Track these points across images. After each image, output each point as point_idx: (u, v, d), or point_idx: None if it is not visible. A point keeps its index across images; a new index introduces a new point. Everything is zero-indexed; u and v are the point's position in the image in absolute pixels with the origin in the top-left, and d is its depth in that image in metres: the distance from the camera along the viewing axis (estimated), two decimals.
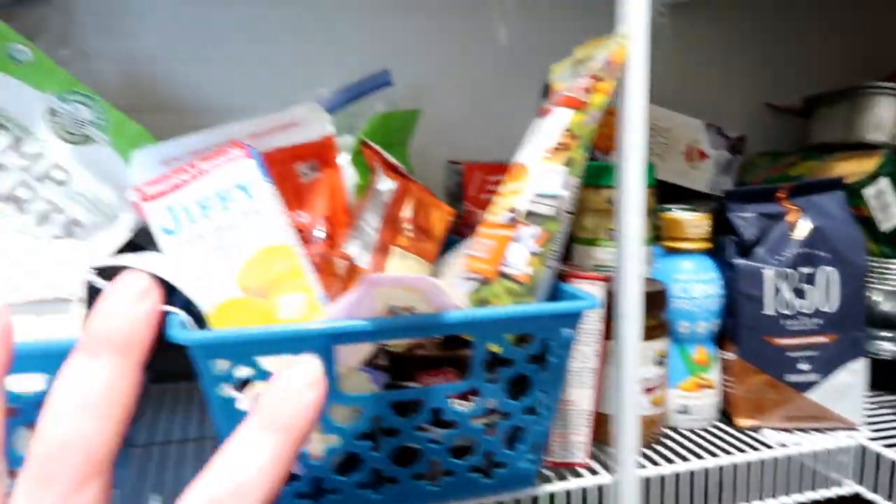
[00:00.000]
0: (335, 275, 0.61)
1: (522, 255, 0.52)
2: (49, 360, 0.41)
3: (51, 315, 0.44)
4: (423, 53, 0.87)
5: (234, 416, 0.46)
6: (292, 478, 0.49)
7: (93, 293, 0.46)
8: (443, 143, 0.89)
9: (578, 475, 0.58)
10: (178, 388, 0.77)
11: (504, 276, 0.53)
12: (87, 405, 0.20)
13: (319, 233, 0.65)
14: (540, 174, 0.54)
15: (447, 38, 0.87)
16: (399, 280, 0.44)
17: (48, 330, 0.43)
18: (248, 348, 0.44)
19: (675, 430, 0.66)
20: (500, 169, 0.84)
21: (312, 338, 0.45)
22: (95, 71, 0.75)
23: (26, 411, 0.42)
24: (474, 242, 0.59)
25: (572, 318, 0.50)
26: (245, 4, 0.80)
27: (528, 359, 0.50)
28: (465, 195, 0.83)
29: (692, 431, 0.66)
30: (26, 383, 0.41)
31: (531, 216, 0.53)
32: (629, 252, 0.53)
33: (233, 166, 0.54)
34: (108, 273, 0.48)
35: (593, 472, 0.58)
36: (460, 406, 0.51)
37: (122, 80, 0.77)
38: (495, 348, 0.50)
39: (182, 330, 0.44)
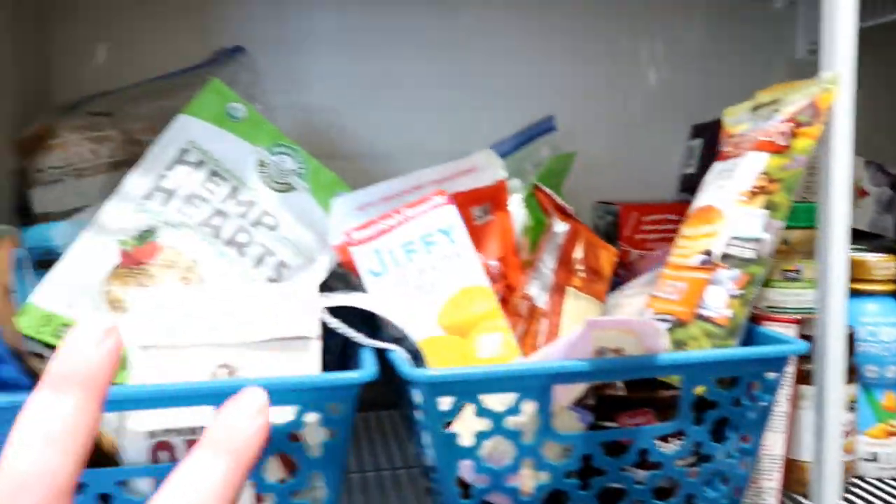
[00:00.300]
0: (518, 315, 0.63)
1: (721, 297, 0.53)
2: (296, 394, 0.45)
3: (293, 352, 0.48)
4: (576, 97, 0.89)
5: (455, 451, 0.48)
6: None
7: (325, 331, 0.50)
8: (588, 184, 0.91)
9: None
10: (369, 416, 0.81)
11: (702, 318, 0.54)
12: (52, 439, 0.21)
13: (495, 272, 0.68)
14: (736, 217, 0.55)
15: (597, 82, 0.90)
16: (621, 322, 0.46)
17: (292, 364, 0.47)
18: (473, 386, 0.47)
19: (861, 478, 0.64)
20: (656, 209, 0.85)
21: (534, 377, 0.47)
22: (277, 122, 0.81)
23: (277, 441, 0.45)
24: (660, 284, 0.60)
25: (779, 363, 0.50)
26: (408, 56, 0.85)
27: (732, 402, 0.51)
28: (620, 235, 0.84)
29: (880, 480, 0.64)
30: (278, 415, 0.45)
31: (728, 259, 0.54)
32: (834, 295, 0.53)
33: (436, 212, 0.57)
34: (336, 312, 0.52)
35: None
36: (665, 448, 0.51)
37: (299, 130, 0.83)
38: (701, 390, 0.50)
39: (411, 368, 0.47)
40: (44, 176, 0.65)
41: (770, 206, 0.53)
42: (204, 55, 0.78)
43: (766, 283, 0.70)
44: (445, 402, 0.47)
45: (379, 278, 0.57)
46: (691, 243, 0.58)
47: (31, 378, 0.42)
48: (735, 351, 0.50)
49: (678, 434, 0.51)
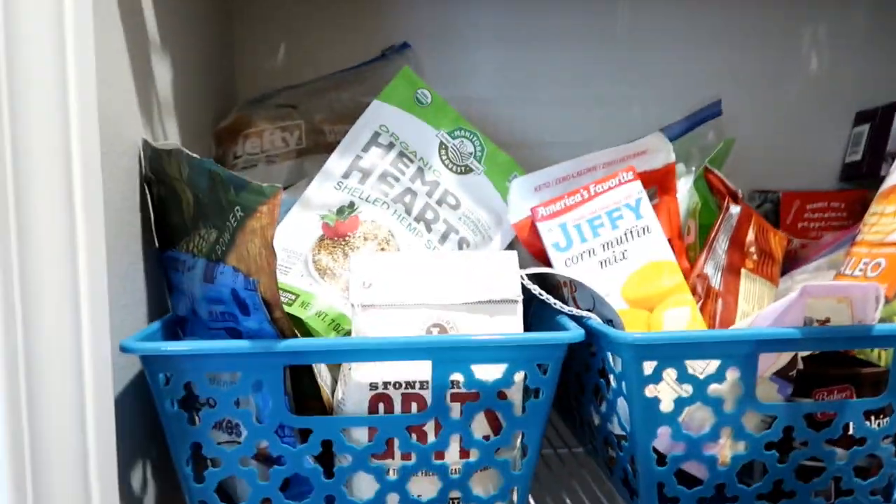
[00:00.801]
0: (695, 293, 0.63)
1: None
2: (507, 351, 0.47)
3: (500, 315, 0.50)
4: (731, 83, 0.88)
5: (655, 417, 0.48)
6: (695, 482, 0.50)
7: (526, 295, 0.52)
8: (744, 171, 0.90)
9: None
10: None
11: None
12: None
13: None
14: None
15: (756, 68, 0.88)
16: (838, 288, 0.45)
17: (499, 325, 0.49)
18: (677, 350, 0.47)
19: None
20: (819, 197, 0.82)
21: (741, 343, 0.47)
22: None
23: (486, 398, 0.47)
24: (849, 263, 0.59)
25: None
26: (562, 48, 0.87)
27: None
28: (780, 223, 0.82)
29: None
30: (488, 372, 0.47)
31: None
32: None
33: (624, 188, 0.58)
34: (533, 279, 0.54)
35: None
36: (871, 425, 0.50)
37: None
38: None
39: (617, 331, 0.48)
40: (241, 161, 0.71)
41: None
42: (373, 52, 0.83)
43: None
44: (649, 367, 0.48)
45: (564, 253, 0.59)
46: (890, 220, 0.57)
47: (276, 328, 0.46)
48: None
49: (885, 412, 0.50)
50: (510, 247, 0.67)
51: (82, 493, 0.41)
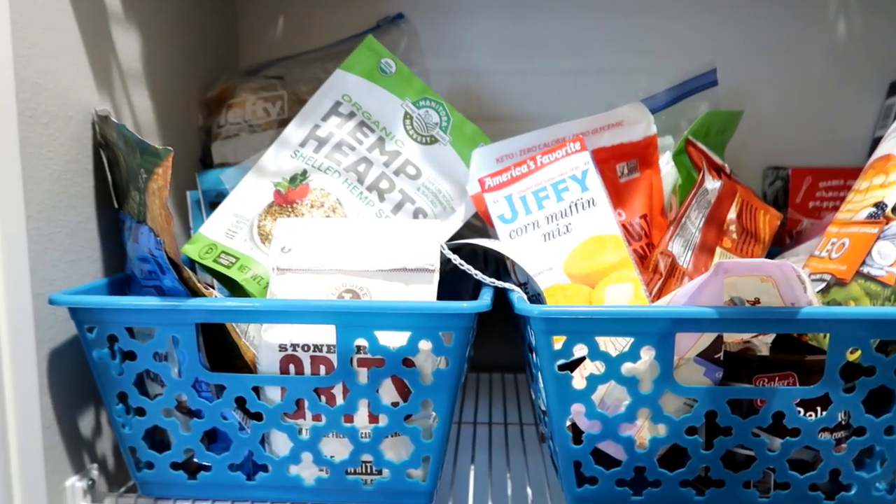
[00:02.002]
0: (657, 271, 0.60)
1: (891, 253, 0.47)
2: (410, 318, 0.46)
3: (414, 284, 0.49)
4: (744, 51, 0.82)
5: (567, 394, 0.47)
6: (613, 463, 0.49)
7: (455, 277, 0.51)
8: (759, 146, 0.84)
9: None
10: (492, 378, 0.82)
11: (864, 276, 0.48)
12: None
13: (637, 230, 0.65)
14: None
15: (774, 36, 0.82)
16: (757, 266, 0.42)
17: (413, 294, 0.49)
18: (588, 325, 0.45)
19: None
20: (833, 174, 0.76)
21: (655, 320, 0.44)
22: (433, 85, 0.84)
23: (391, 364, 0.47)
24: (819, 244, 0.54)
25: None
26: (563, 17, 0.84)
27: (895, 370, 0.44)
28: (789, 202, 0.76)
29: None
30: (394, 339, 0.47)
31: None
32: None
33: (570, 159, 0.56)
34: (459, 251, 0.53)
35: None
36: (807, 415, 0.46)
37: (453, 92, 0.85)
38: (854, 354, 0.45)
39: (525, 303, 0.47)
40: (223, 131, 0.74)
41: None
42: (371, 23, 0.83)
43: None
44: (558, 342, 0.46)
45: (508, 224, 0.57)
46: (862, 197, 0.52)
47: (186, 288, 0.48)
48: (894, 309, 0.43)
49: (824, 402, 0.46)
50: (478, 218, 0.66)
51: None
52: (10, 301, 0.45)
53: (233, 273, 0.56)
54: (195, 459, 0.51)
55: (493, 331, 0.79)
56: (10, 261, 0.45)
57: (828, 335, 0.44)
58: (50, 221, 0.50)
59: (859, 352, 0.45)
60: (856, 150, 0.82)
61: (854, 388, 0.45)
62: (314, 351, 0.48)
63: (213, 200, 0.65)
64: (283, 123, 0.75)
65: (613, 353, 0.46)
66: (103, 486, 0.55)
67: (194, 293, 0.48)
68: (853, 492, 0.47)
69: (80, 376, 0.53)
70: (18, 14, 0.46)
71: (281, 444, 0.50)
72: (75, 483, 0.52)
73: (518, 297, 0.49)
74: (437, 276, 0.49)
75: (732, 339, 0.51)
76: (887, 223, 0.48)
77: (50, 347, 0.50)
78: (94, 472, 0.54)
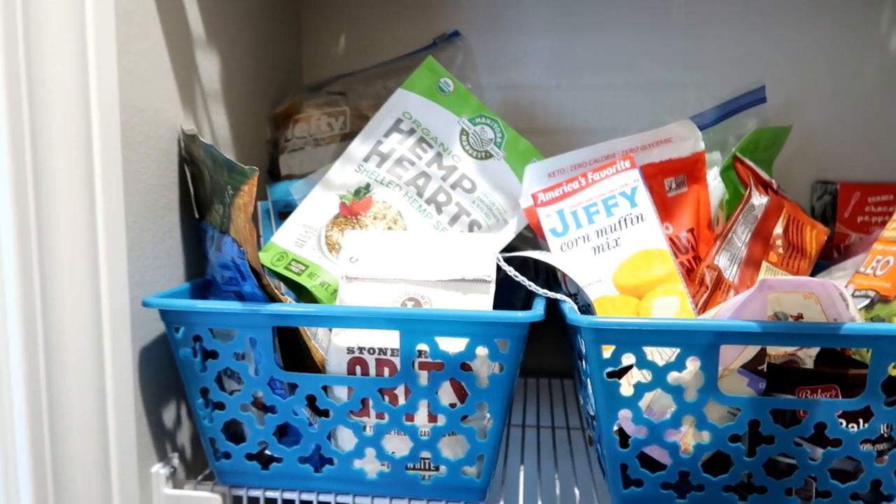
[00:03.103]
0: (703, 284, 0.63)
1: None
2: (468, 326, 0.50)
3: (471, 293, 0.53)
4: (792, 66, 0.84)
5: (615, 400, 0.50)
6: (658, 466, 0.51)
7: (509, 287, 0.55)
8: (808, 160, 0.85)
9: None
10: (539, 382, 0.85)
11: None
12: None
13: (684, 244, 0.67)
14: None
15: (823, 51, 0.83)
16: (800, 283, 0.44)
17: (470, 303, 0.53)
18: (636, 336, 0.48)
19: None
20: (883, 189, 0.77)
21: (700, 333, 0.47)
22: (486, 100, 0.88)
23: (450, 368, 0.51)
24: (865, 260, 0.56)
25: None
26: (612, 33, 0.86)
27: None
28: (837, 216, 0.77)
29: None
30: (453, 345, 0.50)
31: None
32: None
33: (620, 176, 0.59)
34: (512, 262, 0.57)
35: None
36: (849, 426, 0.48)
37: (505, 106, 0.88)
38: None
39: (576, 314, 0.50)
40: (290, 144, 0.78)
41: None
42: (427, 41, 0.87)
43: None
44: (607, 351, 0.49)
45: (559, 238, 0.60)
46: None
47: (265, 294, 0.52)
48: None
49: (866, 415, 0.48)
50: (529, 230, 0.69)
51: (100, 430, 0.50)
52: (111, 303, 0.50)
53: (302, 280, 0.60)
54: (268, 451, 0.56)
55: (542, 338, 0.82)
56: (111, 266, 0.50)
57: (870, 350, 0.46)
58: (143, 231, 0.55)
59: None
60: None
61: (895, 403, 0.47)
62: (379, 354, 0.52)
63: (282, 210, 0.70)
64: (345, 137, 0.79)
65: (660, 363, 0.49)
66: (182, 473, 0.60)
67: (272, 299, 0.52)
68: (894, 502, 0.49)
69: (165, 372, 0.58)
70: (120, 42, 0.51)
71: (346, 439, 0.54)
72: (159, 470, 0.57)
73: (570, 307, 0.52)
74: (493, 287, 0.53)
75: (777, 351, 0.53)
76: None
77: (140, 346, 0.55)
78: (176, 461, 0.59)
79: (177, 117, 0.60)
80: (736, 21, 0.84)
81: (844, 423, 0.48)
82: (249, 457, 0.56)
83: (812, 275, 0.68)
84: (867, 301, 0.52)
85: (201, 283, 0.61)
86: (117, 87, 0.50)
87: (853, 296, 0.54)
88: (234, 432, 0.57)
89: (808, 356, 0.56)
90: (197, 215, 0.63)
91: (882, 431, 0.48)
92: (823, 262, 0.73)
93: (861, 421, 0.48)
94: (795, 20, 0.83)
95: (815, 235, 0.68)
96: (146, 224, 0.55)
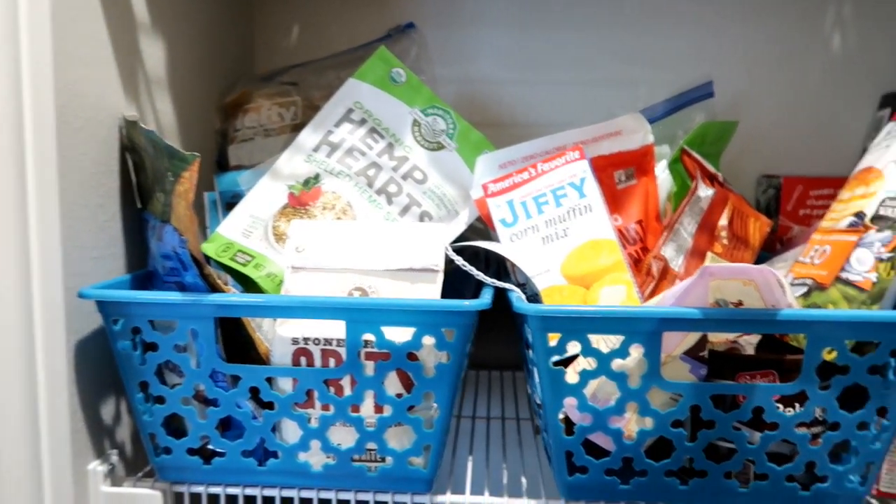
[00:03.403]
0: (649, 274, 0.63)
1: (868, 260, 0.49)
2: (415, 315, 0.50)
3: (419, 283, 0.53)
4: (741, 64, 0.85)
5: (561, 388, 0.50)
6: (603, 453, 0.52)
7: (458, 278, 0.54)
8: (755, 155, 0.87)
9: None
10: (490, 375, 0.86)
11: (842, 281, 0.51)
12: None
13: (632, 235, 0.68)
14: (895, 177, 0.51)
15: (771, 49, 0.85)
16: (740, 270, 0.45)
17: (418, 292, 0.52)
18: (581, 324, 0.48)
19: None
20: (824, 183, 0.79)
21: (644, 320, 0.48)
22: (440, 93, 0.87)
23: (396, 358, 0.50)
24: (804, 250, 0.57)
25: None
26: (567, 29, 0.87)
27: (867, 369, 0.47)
28: (780, 209, 0.79)
29: None
30: (399, 334, 0.50)
31: (880, 220, 0.50)
32: None
33: (569, 167, 0.59)
34: (463, 252, 0.56)
35: None
36: (785, 410, 0.49)
37: (460, 100, 0.88)
38: (830, 354, 0.48)
39: (522, 302, 0.50)
40: (239, 134, 0.77)
41: None
42: (381, 33, 0.87)
43: None
44: (553, 339, 0.49)
45: (509, 228, 0.60)
46: (844, 206, 0.55)
47: (207, 284, 0.51)
48: (870, 312, 0.46)
49: (801, 399, 0.49)
50: (481, 221, 0.69)
51: (31, 426, 0.48)
52: (44, 294, 0.48)
53: (248, 271, 0.59)
54: (210, 446, 0.55)
55: (493, 329, 0.82)
56: (44, 256, 0.48)
57: (806, 336, 0.47)
58: (80, 220, 0.53)
59: (835, 352, 0.48)
60: (847, 160, 0.85)
61: (829, 386, 0.48)
62: (325, 345, 0.52)
63: (230, 201, 0.68)
64: (296, 128, 0.78)
65: (605, 350, 0.49)
66: (122, 470, 0.59)
67: (214, 289, 0.51)
68: (828, 483, 0.50)
69: (101, 366, 0.56)
70: (57, 24, 0.49)
71: (291, 432, 0.53)
72: (97, 467, 0.55)
73: (517, 296, 0.52)
74: (440, 276, 0.52)
75: (719, 338, 0.54)
76: (865, 232, 0.51)
77: (77, 339, 0.53)
78: (114, 458, 0.57)
79: (119, 103, 0.58)
80: (687, 17, 0.85)
81: (781, 407, 0.49)
82: (191, 451, 0.55)
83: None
84: (805, 289, 0.53)
85: (143, 274, 0.59)
86: (52, 70, 0.48)
87: (792, 284, 0.55)
88: (175, 427, 0.56)
89: (749, 343, 0.57)
90: (139, 204, 0.61)
91: (816, 415, 0.49)
92: (766, 253, 0.75)
93: (797, 405, 0.49)
94: (743, 17, 0.85)
95: (758, 227, 0.70)
96: (84, 213, 0.54)
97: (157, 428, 0.54)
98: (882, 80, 0.83)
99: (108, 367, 0.57)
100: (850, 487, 0.50)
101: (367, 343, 0.51)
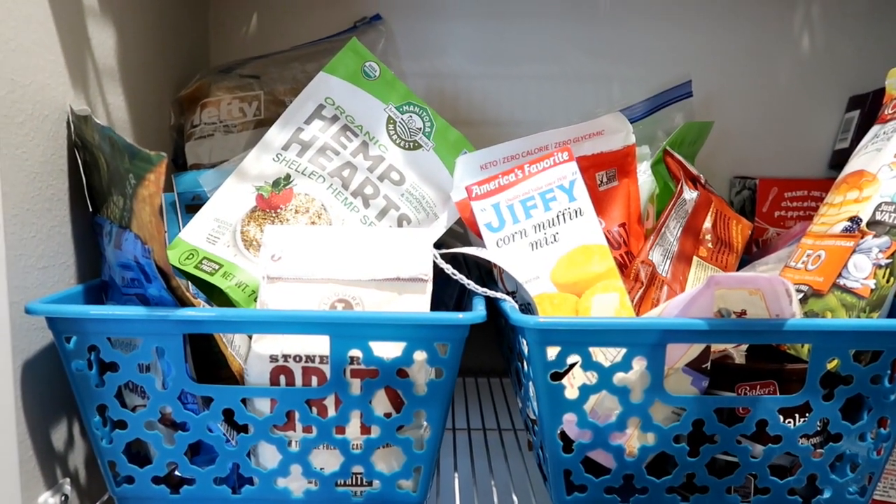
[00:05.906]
0: (637, 280, 0.61)
1: (865, 266, 0.49)
2: (406, 329, 0.46)
3: (407, 293, 0.49)
4: (714, 64, 0.85)
5: (559, 403, 0.47)
6: (603, 471, 0.49)
7: (441, 284, 0.51)
8: (727, 156, 0.86)
9: None
10: (465, 382, 0.83)
11: (840, 288, 0.50)
12: None
13: (616, 238, 0.66)
14: (891, 181, 0.50)
15: (743, 49, 0.85)
16: (746, 280, 0.43)
17: (406, 304, 0.49)
18: (583, 336, 0.46)
19: None
20: (799, 185, 0.79)
21: (648, 332, 0.45)
22: (410, 86, 0.84)
23: (385, 375, 0.47)
24: (797, 255, 0.56)
25: None
26: (540, 23, 0.84)
27: (870, 379, 0.46)
28: (756, 211, 0.79)
29: None
30: (388, 350, 0.47)
31: (877, 225, 0.49)
32: None
33: (558, 169, 0.57)
34: (444, 258, 0.53)
35: None
36: (787, 422, 0.48)
37: (429, 95, 0.85)
38: (833, 364, 0.47)
39: (520, 314, 0.47)
40: (197, 130, 0.72)
41: None
42: (347, 24, 0.82)
43: None
44: (552, 353, 0.47)
45: (496, 233, 0.57)
46: (836, 210, 0.54)
47: (174, 297, 0.46)
48: (876, 322, 0.45)
49: (803, 410, 0.48)
50: (460, 224, 0.66)
51: None
52: None
53: (216, 280, 0.54)
54: (178, 473, 0.50)
55: (471, 335, 0.79)
56: None
57: (807, 345, 0.46)
58: (25, 225, 0.47)
59: (836, 361, 0.46)
60: (817, 160, 0.86)
61: (832, 397, 0.47)
62: (306, 362, 0.48)
63: (190, 203, 0.63)
64: (259, 124, 0.73)
65: (605, 364, 0.47)
66: (76, 501, 0.53)
67: (182, 302, 0.46)
68: (828, 495, 0.49)
69: (54, 388, 0.51)
70: None
71: (269, 456, 0.49)
72: (48, 499, 0.50)
73: (511, 307, 0.49)
74: (430, 286, 0.49)
75: (715, 348, 0.52)
76: (862, 237, 0.50)
77: (24, 358, 0.48)
78: (67, 488, 0.52)
79: (65, 96, 0.52)
80: (660, 14, 0.84)
81: (783, 418, 0.48)
82: (156, 480, 0.50)
83: (738, 269, 0.68)
84: (801, 295, 0.52)
85: (97, 284, 0.54)
86: None
87: None
88: (137, 453, 0.51)
89: (738, 352, 0.56)
90: (91, 208, 0.56)
91: (818, 426, 0.48)
92: (744, 256, 0.74)
93: (798, 416, 0.48)
94: (716, 14, 0.84)
95: (740, 230, 0.69)
96: (29, 218, 0.48)
97: (117, 455, 0.49)
98: (849, 82, 0.84)
99: (60, 388, 0.51)
100: (850, 499, 0.49)
101: (353, 360, 0.47)
